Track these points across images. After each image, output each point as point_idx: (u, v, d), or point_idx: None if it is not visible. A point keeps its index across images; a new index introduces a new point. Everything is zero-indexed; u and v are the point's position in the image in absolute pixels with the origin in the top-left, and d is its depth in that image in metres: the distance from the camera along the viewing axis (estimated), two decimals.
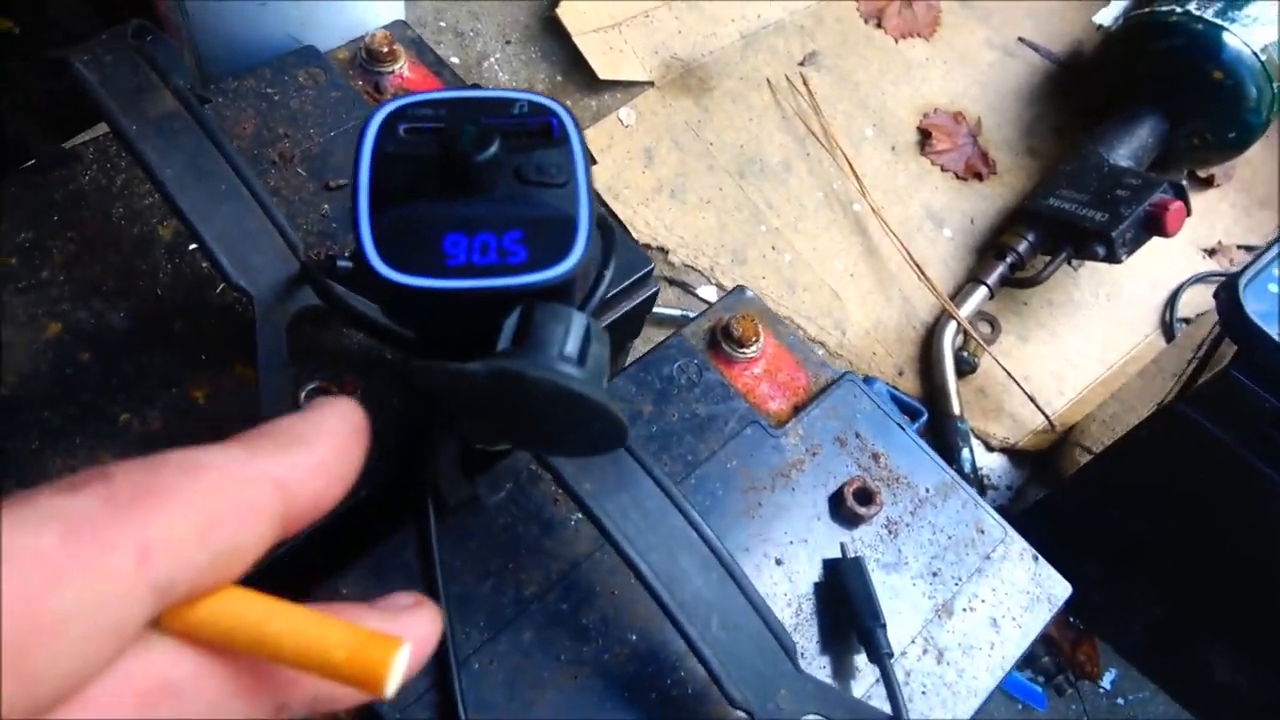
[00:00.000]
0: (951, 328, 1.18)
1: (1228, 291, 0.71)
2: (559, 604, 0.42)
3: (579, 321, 0.27)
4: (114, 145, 0.49)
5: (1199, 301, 1.35)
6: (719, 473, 0.49)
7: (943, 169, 1.35)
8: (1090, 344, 1.27)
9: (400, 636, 0.19)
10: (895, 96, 1.39)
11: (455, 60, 1.23)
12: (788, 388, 0.54)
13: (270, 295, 0.40)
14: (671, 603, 0.36)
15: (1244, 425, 0.74)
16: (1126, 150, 1.26)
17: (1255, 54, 1.21)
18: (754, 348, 0.53)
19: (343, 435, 0.21)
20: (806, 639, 0.45)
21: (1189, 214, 1.12)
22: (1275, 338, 0.70)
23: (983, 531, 0.51)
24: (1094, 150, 1.26)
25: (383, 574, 0.41)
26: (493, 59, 1.25)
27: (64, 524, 0.16)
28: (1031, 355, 1.24)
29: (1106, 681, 1.08)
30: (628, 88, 1.26)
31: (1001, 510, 0.75)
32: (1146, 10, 1.30)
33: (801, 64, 1.37)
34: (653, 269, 0.53)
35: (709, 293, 1.16)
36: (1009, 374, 1.18)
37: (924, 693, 0.46)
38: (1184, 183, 1.14)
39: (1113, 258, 1.12)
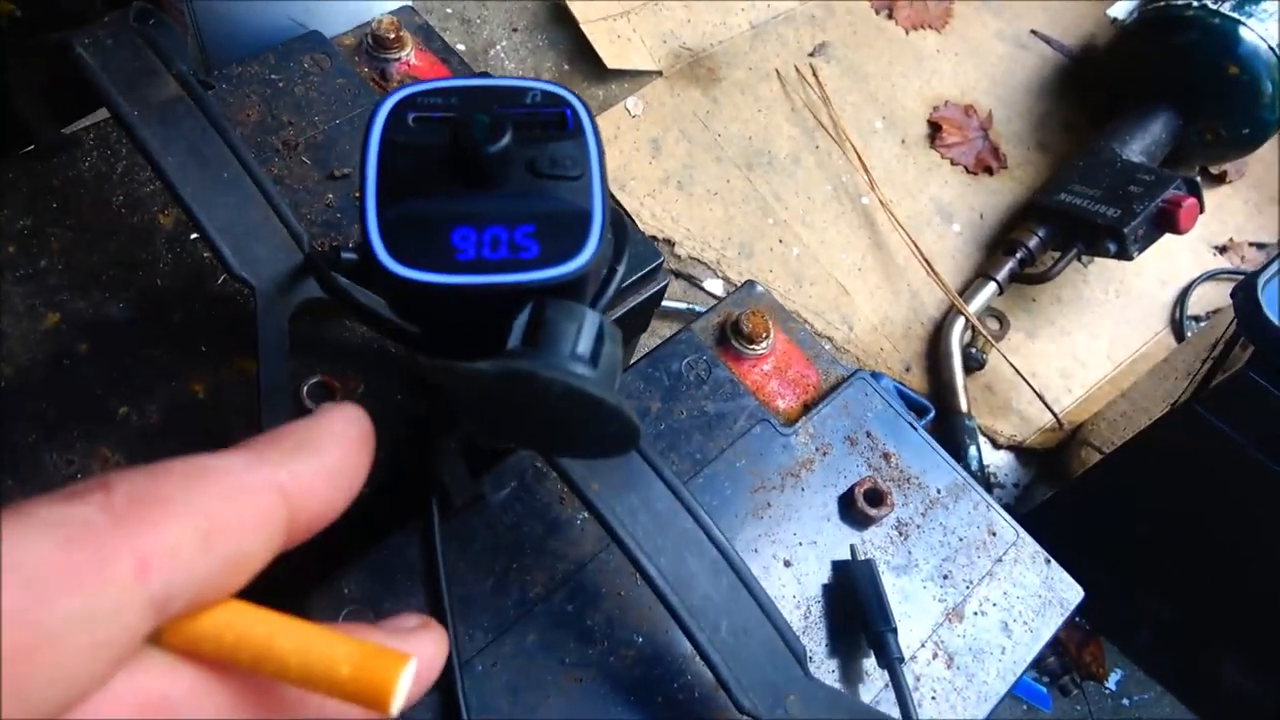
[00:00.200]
0: (960, 324, 1.17)
1: (1245, 291, 0.70)
2: (564, 605, 0.42)
3: (592, 320, 0.26)
4: (115, 131, 0.48)
5: (1210, 299, 1.34)
6: (727, 472, 0.48)
7: (953, 163, 1.33)
8: (1099, 341, 1.26)
9: (406, 653, 0.19)
10: (905, 89, 1.38)
11: (461, 47, 1.22)
12: (797, 385, 0.53)
13: (272, 287, 0.39)
14: (680, 607, 0.36)
15: (1260, 426, 0.73)
16: (1139, 146, 1.25)
17: (1272, 49, 1.19)
18: (764, 344, 0.52)
19: (349, 441, 0.21)
20: (815, 642, 0.44)
21: (1202, 211, 1.11)
22: None
23: (994, 534, 0.51)
24: (1106, 145, 1.25)
25: (386, 573, 0.40)
26: (499, 46, 1.23)
27: (62, 534, 0.16)
28: (1040, 352, 1.23)
29: (1112, 682, 1.07)
30: (635, 77, 1.25)
31: (1008, 509, 0.74)
32: (1162, 4, 1.28)
33: (811, 55, 1.36)
34: (662, 262, 0.52)
35: (715, 286, 1.15)
36: (1017, 371, 1.17)
37: (934, 698, 0.45)
38: (1197, 179, 1.12)
39: (1124, 254, 1.11)
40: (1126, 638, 1.07)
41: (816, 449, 0.50)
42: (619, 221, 0.32)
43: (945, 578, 0.48)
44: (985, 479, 1.13)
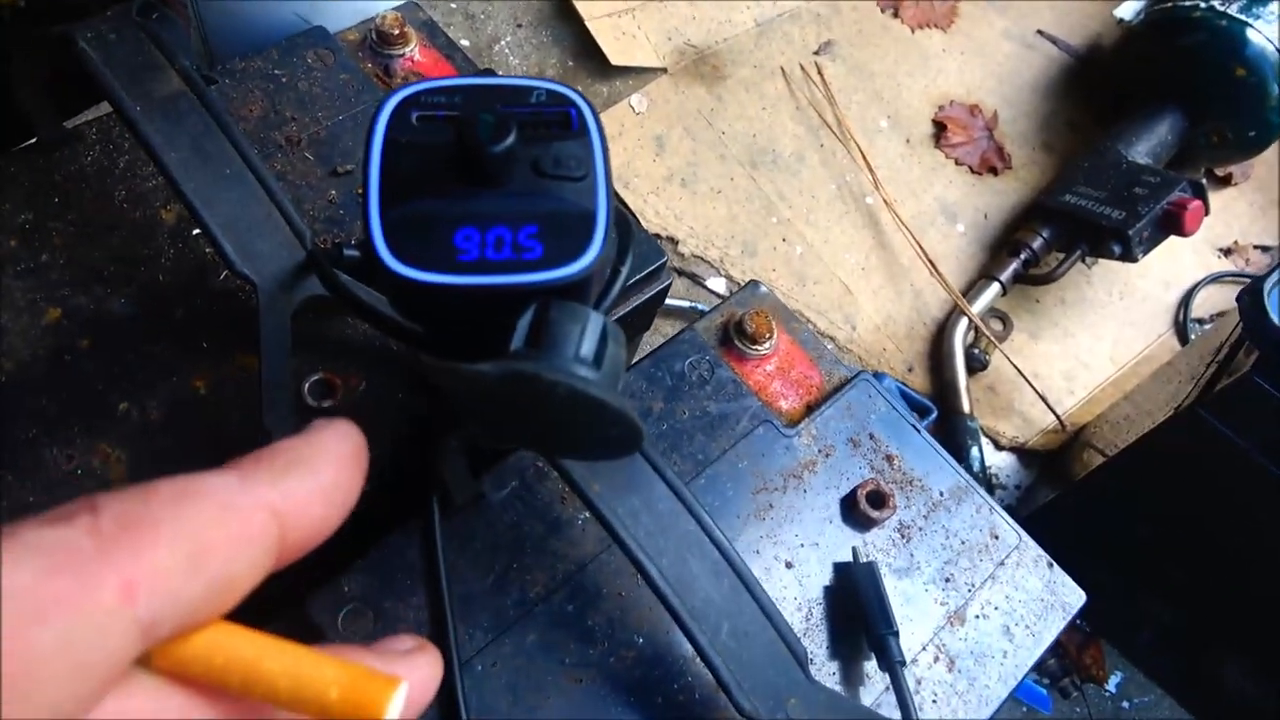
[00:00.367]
0: (963, 324, 1.17)
1: (1252, 295, 0.70)
2: (564, 605, 0.41)
3: (595, 321, 0.25)
4: (117, 126, 0.48)
5: (1214, 302, 1.34)
6: (729, 472, 0.48)
7: (957, 162, 1.33)
8: (1102, 343, 1.26)
9: (397, 676, 0.18)
10: (911, 88, 1.37)
11: (465, 43, 1.21)
12: (800, 386, 0.53)
13: (274, 284, 0.39)
14: (682, 609, 0.35)
15: (1264, 431, 0.72)
16: (1145, 147, 1.24)
17: (1279, 51, 1.19)
18: (767, 344, 0.52)
19: (342, 458, 0.21)
20: (816, 644, 0.44)
21: (1207, 213, 1.11)
22: None
23: (997, 537, 0.50)
24: (1112, 147, 1.24)
25: (386, 572, 0.40)
26: (503, 42, 1.23)
27: (47, 558, 0.16)
28: (1043, 353, 1.23)
29: (1112, 685, 1.07)
30: (640, 74, 1.25)
31: (1010, 510, 0.74)
32: (1169, 5, 1.27)
33: (816, 53, 1.35)
34: (666, 262, 0.52)
35: (718, 284, 1.15)
36: (1020, 372, 1.17)
37: (934, 701, 0.45)
38: (1203, 181, 1.12)
39: (1129, 256, 1.11)
40: (1127, 640, 1.07)
41: (819, 450, 0.50)
42: (623, 221, 0.31)
43: (947, 580, 0.48)
44: (987, 480, 1.13)
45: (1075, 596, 0.50)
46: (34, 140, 0.47)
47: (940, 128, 1.35)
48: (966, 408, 1.13)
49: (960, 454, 1.09)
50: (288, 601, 0.39)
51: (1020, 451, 1.18)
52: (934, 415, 1.11)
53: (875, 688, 0.44)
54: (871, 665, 0.44)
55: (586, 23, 1.23)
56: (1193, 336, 1.29)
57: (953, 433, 1.11)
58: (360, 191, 0.49)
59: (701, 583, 0.36)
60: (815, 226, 1.22)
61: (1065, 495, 1.02)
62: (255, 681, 0.18)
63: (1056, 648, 1.08)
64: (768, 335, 0.52)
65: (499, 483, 0.44)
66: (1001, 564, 0.50)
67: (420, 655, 0.22)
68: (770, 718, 0.36)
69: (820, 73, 1.32)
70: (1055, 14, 1.53)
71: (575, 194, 0.27)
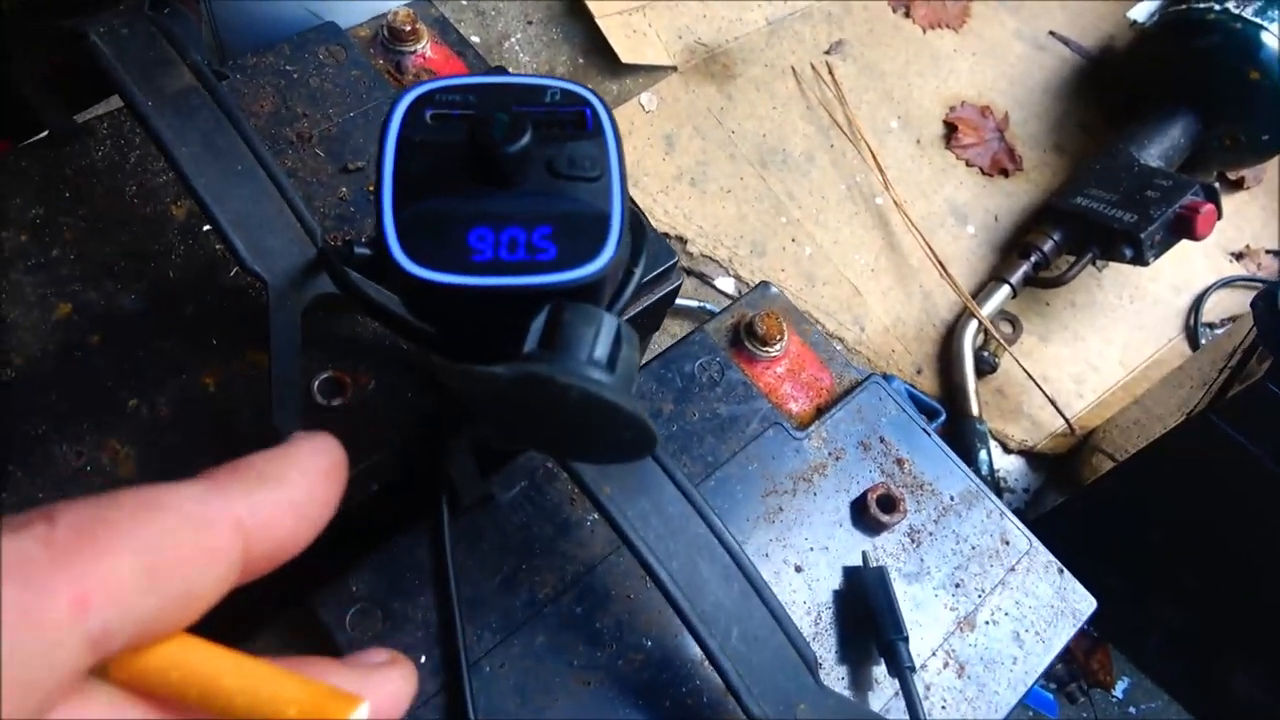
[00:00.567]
0: (973, 326, 1.16)
1: (1266, 301, 0.69)
2: (573, 607, 0.41)
3: (609, 324, 0.25)
4: (128, 120, 0.48)
5: (1225, 306, 1.33)
6: (739, 475, 0.47)
7: (968, 164, 1.32)
8: (1112, 346, 1.25)
9: (359, 694, 0.18)
10: (922, 88, 1.37)
11: (475, 39, 1.21)
12: (811, 388, 0.52)
13: (285, 281, 0.39)
14: (692, 613, 0.35)
15: (1278, 438, 0.72)
16: (1157, 150, 1.24)
17: None
18: (778, 346, 0.52)
19: (316, 473, 0.20)
20: (825, 648, 0.44)
21: (1220, 217, 1.10)
22: None
23: (1007, 542, 0.50)
24: (1124, 149, 1.23)
25: (394, 572, 0.40)
26: (514, 39, 1.23)
27: None
28: (1052, 356, 1.22)
29: (1119, 690, 1.07)
30: (650, 72, 1.24)
31: (1018, 514, 0.73)
32: (1183, 7, 1.27)
33: (827, 53, 1.35)
34: (677, 262, 0.51)
35: (727, 284, 1.14)
36: (1029, 375, 1.16)
37: (944, 707, 0.45)
38: (1215, 185, 1.11)
39: (1140, 260, 1.10)
40: (1135, 645, 1.06)
41: (829, 453, 0.49)
42: (637, 223, 0.31)
43: (957, 586, 0.48)
44: (995, 483, 1.12)
45: (1086, 603, 0.50)
46: (45, 134, 0.46)
47: (951, 128, 1.34)
48: (975, 410, 1.12)
49: (969, 456, 1.09)
50: (293, 601, 0.39)
51: (1029, 455, 1.17)
52: (942, 418, 1.10)
53: (884, 693, 0.44)
54: (881, 670, 0.44)
55: (597, 20, 1.23)
56: (1203, 341, 1.28)
57: (961, 435, 1.11)
58: (372, 189, 0.49)
59: (712, 587, 0.36)
60: (825, 227, 1.22)
61: (1074, 499, 1.01)
62: (213, 697, 0.18)
63: (1063, 652, 1.07)
64: (778, 337, 0.51)
65: (508, 483, 0.44)
66: (1012, 570, 0.49)
67: (392, 669, 0.22)
68: None
69: (831, 72, 1.31)
70: (1067, 15, 1.52)
71: (590, 195, 0.27)
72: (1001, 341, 1.17)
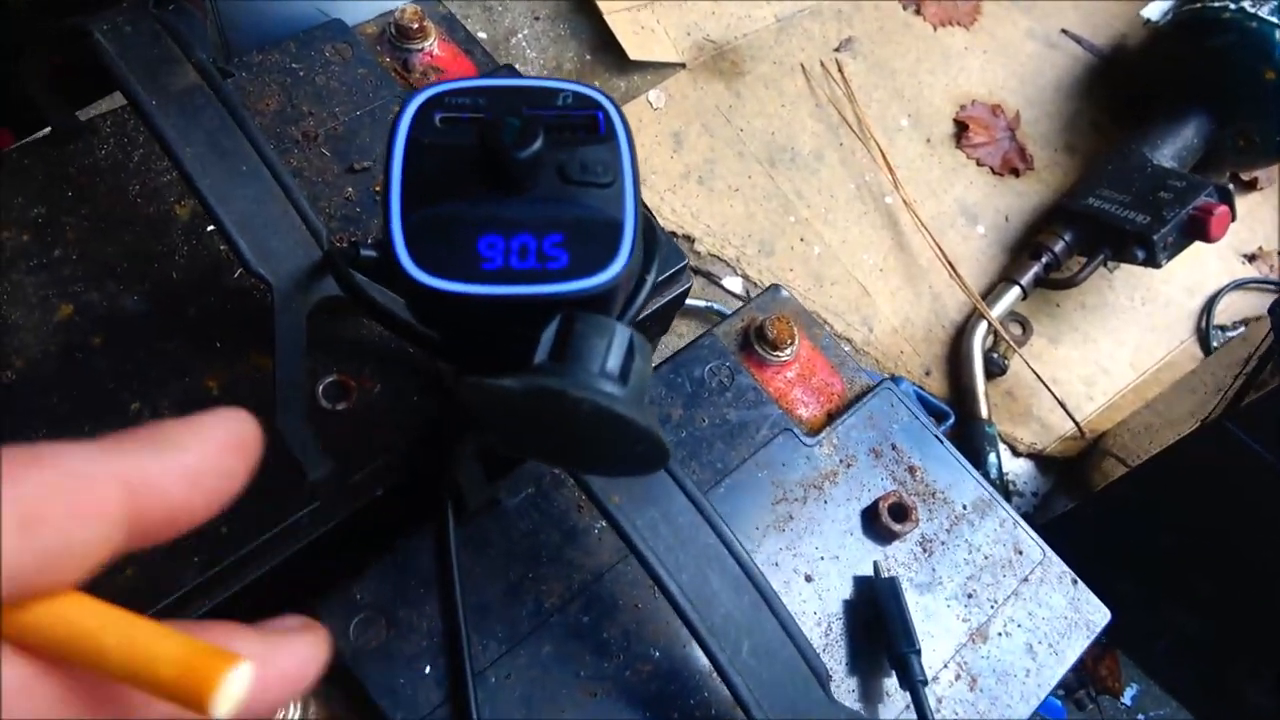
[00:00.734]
0: (982, 328, 1.15)
1: None
2: (580, 616, 0.41)
3: (622, 335, 0.24)
4: (132, 119, 0.47)
5: (1237, 308, 1.32)
6: (749, 482, 0.47)
7: (979, 163, 1.31)
8: (1123, 349, 1.24)
9: (238, 655, 0.18)
10: (932, 86, 1.36)
11: (482, 35, 1.20)
12: (822, 393, 0.51)
13: (290, 283, 0.38)
14: (701, 625, 0.34)
15: None
16: (1170, 150, 1.22)
17: None
18: (788, 351, 0.51)
19: (218, 444, 0.20)
20: (835, 660, 0.43)
21: (1234, 219, 1.09)
22: None
23: (1021, 552, 0.49)
24: (1136, 149, 1.22)
25: (399, 578, 0.39)
26: (520, 35, 1.22)
27: None
28: (1062, 359, 1.21)
29: (1128, 697, 1.06)
30: (658, 69, 1.23)
31: (1027, 518, 0.72)
32: (1197, 5, 1.25)
33: (837, 50, 1.34)
34: (686, 264, 0.51)
35: (735, 284, 1.14)
36: (1039, 377, 1.15)
37: None
38: (1229, 186, 1.10)
39: (1152, 262, 1.09)
40: (1145, 652, 1.05)
41: (840, 461, 0.48)
42: (649, 229, 0.30)
43: (970, 596, 0.47)
44: (1004, 487, 1.11)
45: (1100, 614, 0.49)
46: (48, 131, 0.46)
47: (962, 127, 1.33)
48: (984, 413, 1.11)
49: (978, 460, 1.08)
50: (298, 606, 0.38)
51: (1038, 458, 1.16)
52: (951, 420, 1.09)
53: (895, 705, 0.43)
54: (892, 682, 0.43)
55: (605, 16, 1.22)
56: (1215, 344, 1.27)
57: (970, 438, 1.10)
58: (378, 189, 0.48)
59: (722, 599, 0.35)
60: (833, 226, 1.21)
61: (1086, 504, 1.00)
62: (93, 654, 0.18)
63: (1076, 663, 1.07)
64: (789, 341, 0.51)
65: (514, 489, 0.43)
66: (1025, 580, 0.48)
67: (302, 634, 0.21)
68: None
69: (840, 70, 1.30)
70: (1080, 13, 1.51)
71: (602, 201, 0.26)
72: (1011, 343, 1.16)
